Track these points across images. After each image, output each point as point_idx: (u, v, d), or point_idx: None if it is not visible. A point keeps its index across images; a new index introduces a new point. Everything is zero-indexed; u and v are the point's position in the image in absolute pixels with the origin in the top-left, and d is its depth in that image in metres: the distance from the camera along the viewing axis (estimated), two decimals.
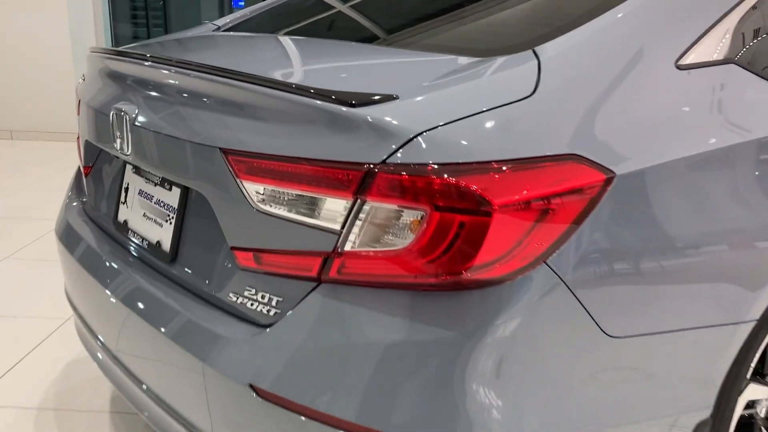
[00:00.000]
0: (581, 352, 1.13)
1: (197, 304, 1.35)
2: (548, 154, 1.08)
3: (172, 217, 1.45)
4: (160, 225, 1.49)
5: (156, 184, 1.52)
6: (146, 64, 1.46)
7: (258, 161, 1.17)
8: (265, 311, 1.21)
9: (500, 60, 1.23)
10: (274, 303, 1.20)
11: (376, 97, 1.10)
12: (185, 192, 1.42)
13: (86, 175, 1.85)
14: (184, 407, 1.35)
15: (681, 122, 1.24)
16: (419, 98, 1.13)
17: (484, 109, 1.09)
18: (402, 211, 1.06)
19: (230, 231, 1.25)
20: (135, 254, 1.58)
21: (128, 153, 1.47)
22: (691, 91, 1.29)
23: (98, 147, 1.72)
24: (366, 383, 1.08)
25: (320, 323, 1.13)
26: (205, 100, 1.30)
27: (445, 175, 1.02)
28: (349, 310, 1.11)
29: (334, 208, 1.11)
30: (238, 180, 1.20)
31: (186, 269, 1.42)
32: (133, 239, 1.58)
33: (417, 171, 1.03)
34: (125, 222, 1.63)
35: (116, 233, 1.67)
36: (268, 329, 1.18)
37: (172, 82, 1.38)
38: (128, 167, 1.64)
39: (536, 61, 1.19)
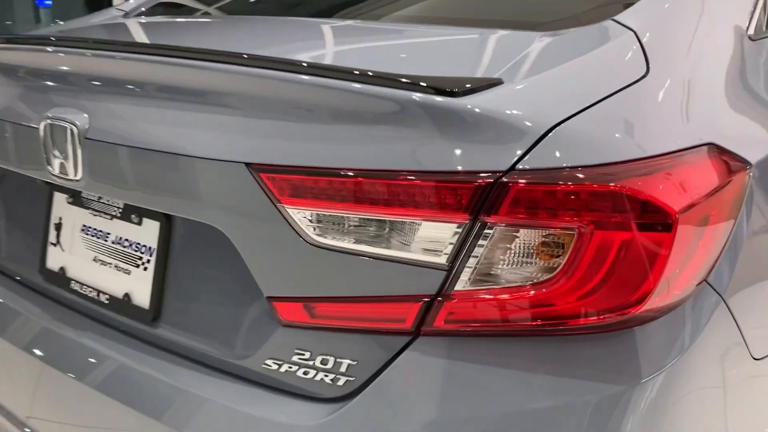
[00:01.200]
0: (734, 384, 0.93)
1: (210, 377, 0.99)
2: (690, 145, 0.86)
3: (148, 261, 1.07)
4: (127, 272, 1.10)
5: (113, 218, 1.12)
6: (101, 53, 1.05)
7: (310, 178, 0.85)
8: (329, 381, 0.89)
9: (584, 33, 1.00)
10: (343, 369, 0.88)
11: (479, 84, 0.83)
12: (167, 225, 1.05)
13: None
14: None
15: None
16: (527, 83, 0.86)
17: (609, 94, 0.85)
18: (542, 233, 0.79)
19: (265, 276, 0.91)
20: (86, 313, 1.16)
21: (77, 177, 1.07)
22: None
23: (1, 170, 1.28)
24: None
25: (423, 391, 0.84)
26: (215, 97, 0.94)
27: (606, 181, 0.77)
28: (465, 370, 0.83)
29: (437, 235, 0.81)
30: (279, 206, 0.87)
31: (179, 330, 1.04)
32: (81, 292, 1.17)
33: (564, 177, 0.77)
34: (62, 270, 1.20)
35: (46, 285, 1.24)
36: (345, 406, 0.86)
37: (156, 75, 1.00)
38: (58, 196, 1.22)
39: (632, 33, 0.97)
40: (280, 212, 0.87)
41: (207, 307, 1.02)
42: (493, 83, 0.83)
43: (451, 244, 0.81)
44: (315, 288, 0.88)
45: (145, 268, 1.08)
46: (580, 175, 0.77)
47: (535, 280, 0.79)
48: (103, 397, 1.03)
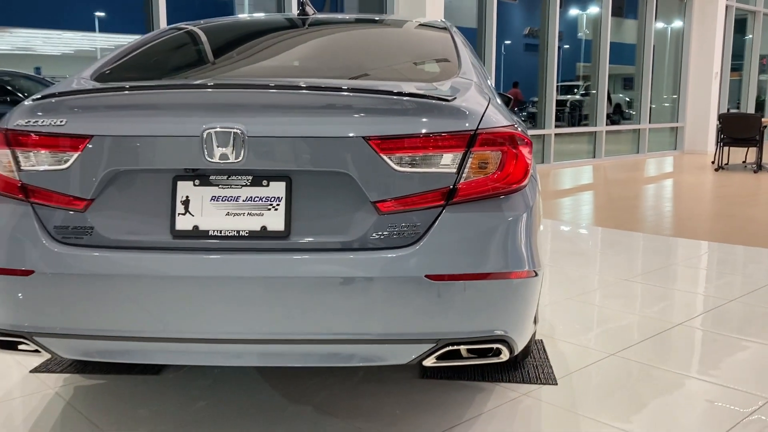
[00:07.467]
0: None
1: (338, 253, 1.91)
2: (513, 122, 2.16)
3: (278, 204, 1.92)
4: (260, 214, 1.92)
5: (243, 186, 1.92)
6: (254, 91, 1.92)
7: (393, 140, 1.89)
8: (407, 235, 1.92)
9: (456, 81, 2.24)
10: (415, 228, 1.93)
11: (450, 97, 2.00)
12: (289, 182, 1.92)
13: (84, 208, 1.94)
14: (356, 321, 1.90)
15: None
16: (463, 98, 2.05)
17: (488, 103, 2.10)
18: (491, 154, 1.98)
19: (371, 190, 1.90)
20: (224, 249, 1.91)
21: (238, 160, 1.87)
22: None
23: (119, 171, 1.92)
24: (490, 244, 1.96)
25: (453, 228, 1.94)
26: (341, 101, 1.92)
27: (513, 130, 2.00)
28: (467, 214, 1.96)
29: (451, 159, 1.94)
30: (380, 156, 1.89)
31: (307, 237, 1.92)
32: (219, 236, 1.91)
33: (498, 131, 1.98)
34: (195, 228, 1.92)
35: (176, 242, 1.92)
36: (422, 241, 1.91)
37: (304, 101, 1.90)
38: (182, 184, 1.93)
39: (474, 82, 2.25)
40: (381, 158, 1.89)
41: (324, 219, 1.93)
42: (452, 97, 2.00)
43: (457, 162, 1.94)
44: (397, 192, 1.91)
45: (276, 209, 1.92)
46: (503, 129, 1.99)
47: (488, 174, 1.97)
48: (268, 286, 1.86)
